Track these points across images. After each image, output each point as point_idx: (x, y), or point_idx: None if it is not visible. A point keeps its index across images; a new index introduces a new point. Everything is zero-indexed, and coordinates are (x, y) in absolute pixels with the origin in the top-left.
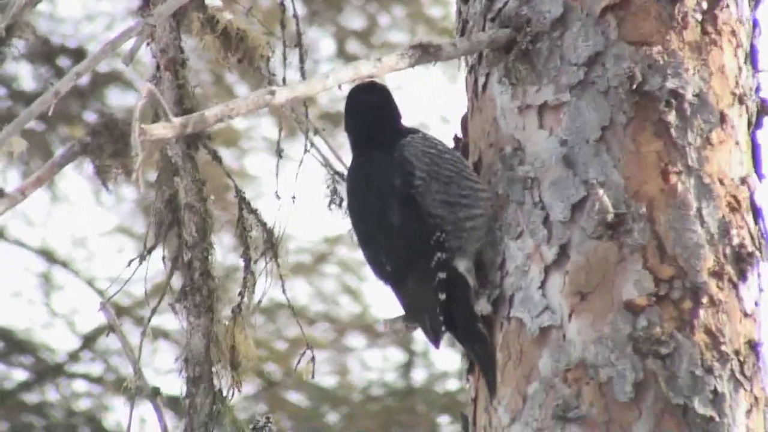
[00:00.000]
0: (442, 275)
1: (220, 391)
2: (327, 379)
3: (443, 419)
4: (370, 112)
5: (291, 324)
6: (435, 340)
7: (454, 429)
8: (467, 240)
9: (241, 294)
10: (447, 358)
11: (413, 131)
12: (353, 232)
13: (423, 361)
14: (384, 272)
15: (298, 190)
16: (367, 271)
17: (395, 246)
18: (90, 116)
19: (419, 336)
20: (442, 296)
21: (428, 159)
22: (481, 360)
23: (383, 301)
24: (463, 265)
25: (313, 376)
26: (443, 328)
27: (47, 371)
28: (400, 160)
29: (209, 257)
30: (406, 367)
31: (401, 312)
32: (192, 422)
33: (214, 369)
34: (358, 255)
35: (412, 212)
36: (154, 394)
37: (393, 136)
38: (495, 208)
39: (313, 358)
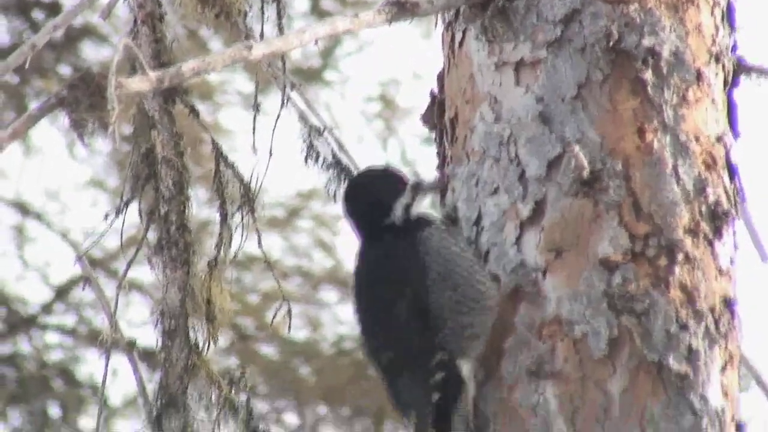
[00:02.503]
0: (440, 375)
1: (196, 344)
2: (299, 333)
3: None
4: (370, 208)
5: (264, 278)
6: None
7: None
8: (467, 345)
9: (217, 247)
10: None
11: (429, 222)
12: (356, 319)
13: None
14: (381, 364)
15: (275, 145)
16: (342, 225)
17: (397, 339)
18: (65, 70)
19: None
20: (436, 396)
21: (442, 260)
22: None
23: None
24: (465, 369)
25: (289, 330)
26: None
27: (20, 323)
28: (415, 255)
29: (186, 211)
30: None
31: None
32: (167, 375)
33: (189, 322)
34: (332, 209)
35: (418, 309)
36: (130, 346)
37: (404, 229)
38: (495, 316)
39: (289, 311)
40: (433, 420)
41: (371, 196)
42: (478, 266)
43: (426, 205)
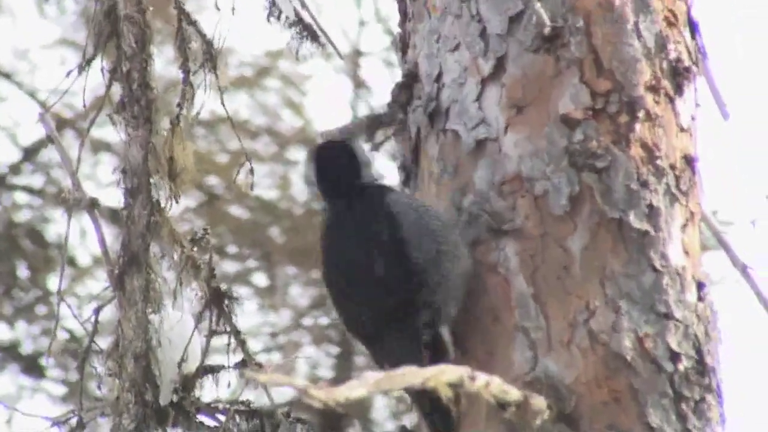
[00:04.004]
0: (427, 337)
1: (158, 202)
2: (268, 193)
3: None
4: (341, 172)
5: (233, 137)
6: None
7: None
8: (449, 297)
9: (179, 105)
10: (388, 171)
11: (390, 189)
12: (329, 290)
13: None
14: (360, 329)
15: (239, 3)
16: (310, 85)
17: (377, 299)
18: None
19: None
20: (426, 356)
21: (417, 214)
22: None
23: (325, 116)
24: (446, 333)
25: (252, 188)
26: None
27: None
28: (387, 215)
29: (148, 68)
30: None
31: (337, 126)
32: (129, 233)
33: (152, 180)
34: (301, 69)
35: (397, 265)
36: (92, 204)
37: (372, 190)
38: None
39: (251, 169)
40: None
41: (342, 158)
42: (445, 217)
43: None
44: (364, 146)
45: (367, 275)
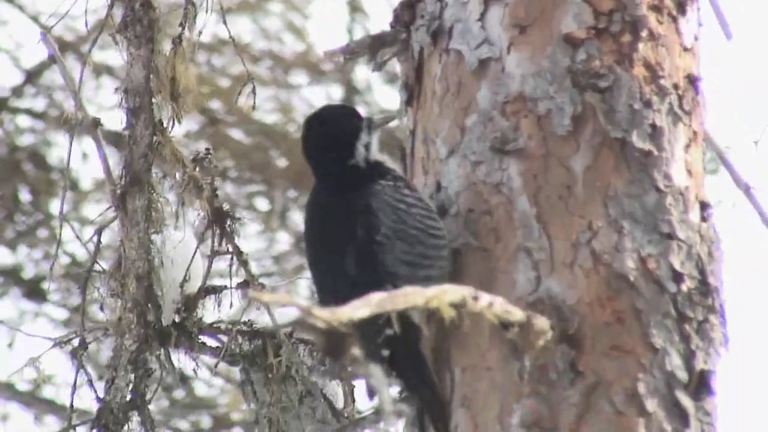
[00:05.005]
0: (389, 331)
1: (161, 122)
2: (270, 116)
3: (382, 157)
4: (333, 147)
5: (235, 62)
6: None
7: (392, 161)
8: None
9: (181, 25)
10: (387, 95)
11: (382, 172)
12: (307, 259)
13: (363, 98)
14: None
15: None
16: (312, 8)
17: (345, 292)
18: None
19: (361, 74)
20: (385, 353)
21: (396, 216)
22: (430, 408)
23: (327, 40)
24: (416, 315)
25: (254, 108)
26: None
27: None
28: (366, 210)
29: None
30: (348, 103)
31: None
32: (131, 153)
33: (154, 100)
34: None
35: (368, 265)
36: (94, 124)
37: (360, 175)
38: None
39: (254, 90)
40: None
41: (333, 135)
42: (430, 219)
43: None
44: (366, 118)
45: (339, 269)
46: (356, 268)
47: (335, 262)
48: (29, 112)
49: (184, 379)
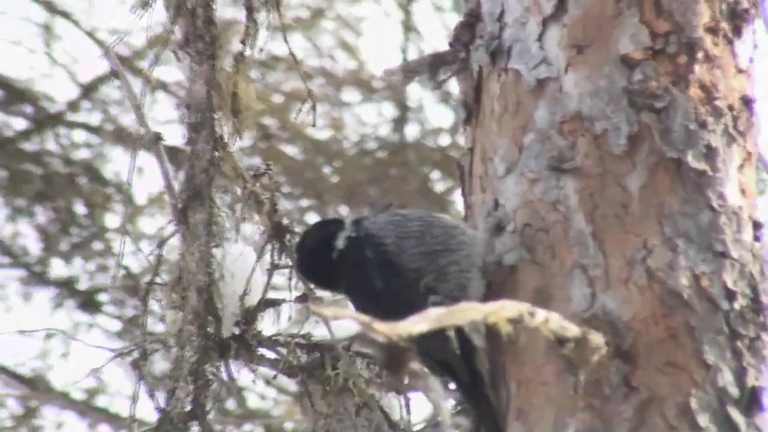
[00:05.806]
0: (449, 346)
1: (222, 137)
2: (322, 133)
3: (435, 175)
4: (318, 266)
5: (287, 78)
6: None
7: (445, 184)
8: (457, 284)
9: (243, 42)
10: (440, 113)
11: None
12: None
13: (416, 116)
14: None
15: None
16: (365, 27)
17: (385, 308)
18: None
19: (414, 92)
20: (444, 367)
21: (393, 226)
22: (486, 421)
23: (379, 58)
24: (474, 330)
25: (314, 125)
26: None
27: (47, 120)
28: (366, 236)
29: (212, 4)
30: (400, 122)
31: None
32: (193, 168)
33: (215, 116)
34: (356, 11)
35: (391, 272)
36: (156, 139)
37: (348, 252)
38: (482, 245)
39: (313, 107)
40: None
41: (313, 246)
42: (431, 217)
43: None
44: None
45: (368, 293)
46: (381, 281)
47: (363, 289)
48: (85, 126)
49: (239, 390)
